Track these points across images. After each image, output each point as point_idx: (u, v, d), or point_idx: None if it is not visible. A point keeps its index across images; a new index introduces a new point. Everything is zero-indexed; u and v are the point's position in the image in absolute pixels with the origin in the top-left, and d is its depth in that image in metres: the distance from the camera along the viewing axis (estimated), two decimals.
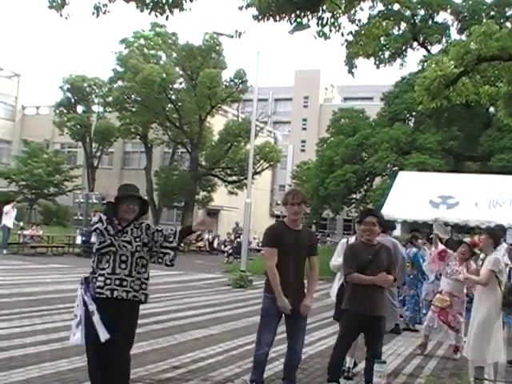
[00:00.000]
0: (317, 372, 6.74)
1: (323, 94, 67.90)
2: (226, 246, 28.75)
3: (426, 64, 20.93)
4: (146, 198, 5.28)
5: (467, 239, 9.29)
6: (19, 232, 23.08)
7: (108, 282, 4.55)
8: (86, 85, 41.14)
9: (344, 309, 5.80)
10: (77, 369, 6.05)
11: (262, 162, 37.36)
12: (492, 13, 26.23)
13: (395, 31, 26.73)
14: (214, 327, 9.05)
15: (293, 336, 5.56)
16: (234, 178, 38.65)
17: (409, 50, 28.43)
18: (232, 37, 9.09)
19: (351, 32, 10.08)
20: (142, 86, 33.64)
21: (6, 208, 22.10)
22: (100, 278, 4.55)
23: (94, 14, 7.49)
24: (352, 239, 6.79)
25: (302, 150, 61.18)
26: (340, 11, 8.76)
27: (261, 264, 16.33)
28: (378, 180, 30.50)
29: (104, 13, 7.50)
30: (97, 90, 41.53)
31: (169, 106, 36.05)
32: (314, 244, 5.67)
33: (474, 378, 6.57)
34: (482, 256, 11.10)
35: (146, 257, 4.74)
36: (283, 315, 5.45)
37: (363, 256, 5.63)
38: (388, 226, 9.50)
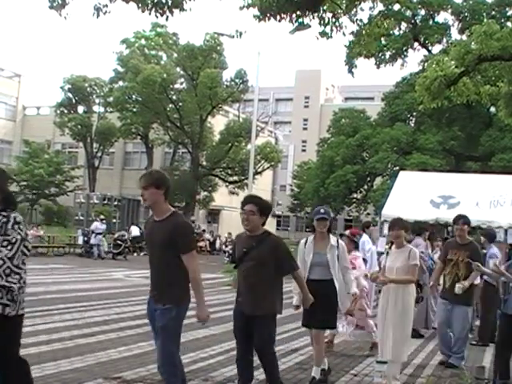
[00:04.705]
0: None
1: (324, 94, 67.93)
2: (227, 247, 28.78)
3: (426, 64, 20.93)
4: None
5: (347, 231, 9.04)
6: None
7: None
8: (86, 85, 41.22)
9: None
10: (78, 369, 6.06)
11: (262, 162, 37.41)
12: (493, 13, 26.25)
13: (396, 31, 26.80)
14: (215, 327, 9.04)
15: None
16: (235, 178, 38.70)
17: (409, 50, 28.50)
18: (233, 37, 9.09)
19: (353, 32, 10.09)
20: (143, 86, 33.69)
21: None
22: None
23: (94, 14, 7.48)
24: (310, 238, 6.34)
25: (303, 150, 61.23)
26: (341, 11, 8.76)
27: None
28: (378, 180, 30.51)
29: (104, 13, 7.50)
30: (98, 91, 41.61)
31: (170, 106, 36.11)
32: (177, 237, 4.37)
33: (474, 378, 6.57)
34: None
35: None
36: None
37: (240, 248, 5.17)
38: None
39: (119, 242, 24.55)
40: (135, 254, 26.85)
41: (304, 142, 63.10)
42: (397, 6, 24.81)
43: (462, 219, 7.61)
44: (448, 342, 7.66)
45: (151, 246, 4.57)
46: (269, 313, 5.08)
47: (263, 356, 5.14)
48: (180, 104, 35.97)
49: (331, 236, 6.28)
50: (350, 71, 27.52)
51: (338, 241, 6.27)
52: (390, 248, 6.61)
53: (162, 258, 4.38)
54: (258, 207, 5.07)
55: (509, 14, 26.19)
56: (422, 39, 28.38)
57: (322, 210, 6.23)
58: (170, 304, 4.40)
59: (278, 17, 8.61)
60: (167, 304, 4.40)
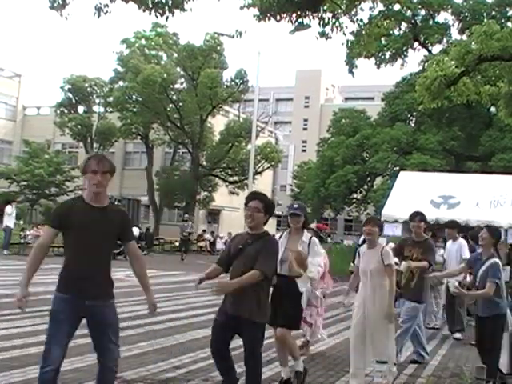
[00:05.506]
0: (318, 372, 6.75)
1: (324, 94, 67.97)
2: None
3: (426, 64, 20.93)
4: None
5: (313, 225, 8.74)
6: (21, 232, 23.13)
7: None
8: (87, 85, 41.21)
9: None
10: (77, 369, 6.06)
11: (262, 162, 37.41)
12: (493, 13, 26.24)
13: (396, 31, 26.79)
14: None
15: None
16: (235, 178, 38.69)
17: (409, 50, 28.47)
18: (233, 37, 9.09)
19: (353, 31, 10.07)
20: (143, 87, 33.67)
21: (8, 209, 22.10)
22: None
23: (94, 14, 7.48)
24: (285, 233, 6.17)
25: (303, 150, 61.25)
26: (341, 11, 8.76)
27: None
28: (378, 180, 30.50)
29: (105, 13, 7.49)
30: (98, 91, 41.58)
31: (170, 106, 36.09)
32: (127, 226, 4.43)
33: (474, 378, 6.57)
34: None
35: None
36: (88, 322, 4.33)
37: (236, 246, 4.96)
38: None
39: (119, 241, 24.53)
40: None
41: (304, 142, 63.13)
42: (397, 6, 24.81)
43: (418, 216, 7.57)
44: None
45: (89, 233, 4.10)
46: (251, 318, 4.75)
47: (250, 364, 4.86)
48: (180, 104, 35.96)
49: (305, 232, 6.08)
50: (350, 71, 27.50)
51: (310, 238, 6.04)
52: (359, 245, 6.41)
53: (107, 247, 4.26)
54: (263, 204, 4.92)
55: (509, 14, 26.17)
56: (422, 39, 28.37)
57: (295, 206, 6.13)
58: (112, 299, 4.34)
59: (278, 17, 8.61)
60: (110, 299, 4.32)
